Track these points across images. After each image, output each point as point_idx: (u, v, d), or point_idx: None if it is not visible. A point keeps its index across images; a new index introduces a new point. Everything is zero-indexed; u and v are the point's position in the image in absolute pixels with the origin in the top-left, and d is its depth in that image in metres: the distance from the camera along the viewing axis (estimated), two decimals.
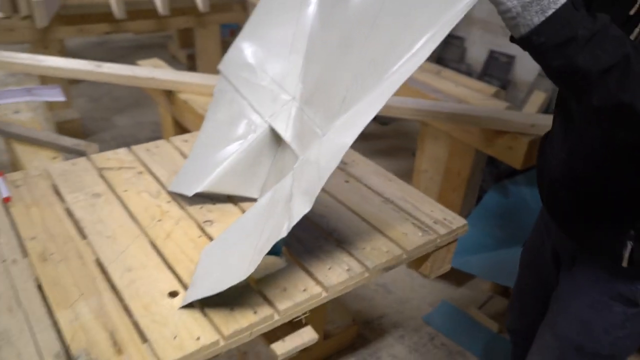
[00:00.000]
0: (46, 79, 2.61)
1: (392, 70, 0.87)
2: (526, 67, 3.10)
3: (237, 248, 0.96)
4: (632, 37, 0.81)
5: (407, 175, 2.43)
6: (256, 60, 1.22)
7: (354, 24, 0.99)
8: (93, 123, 3.17)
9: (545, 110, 2.88)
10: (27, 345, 0.83)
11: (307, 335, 1.02)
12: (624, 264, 0.92)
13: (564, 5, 0.68)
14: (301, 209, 0.85)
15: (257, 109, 1.18)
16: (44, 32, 2.66)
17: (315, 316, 1.54)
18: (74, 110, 3.07)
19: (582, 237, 0.99)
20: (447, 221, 1.21)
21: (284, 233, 0.85)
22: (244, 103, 1.21)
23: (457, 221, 1.21)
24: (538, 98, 2.88)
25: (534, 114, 2.23)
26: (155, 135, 2.99)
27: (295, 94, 1.13)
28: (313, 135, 1.02)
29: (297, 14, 1.17)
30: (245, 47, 1.24)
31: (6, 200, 1.16)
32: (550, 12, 0.67)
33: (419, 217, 1.21)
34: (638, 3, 0.82)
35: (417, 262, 1.25)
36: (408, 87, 2.12)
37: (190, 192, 1.16)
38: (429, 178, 2.20)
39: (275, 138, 1.18)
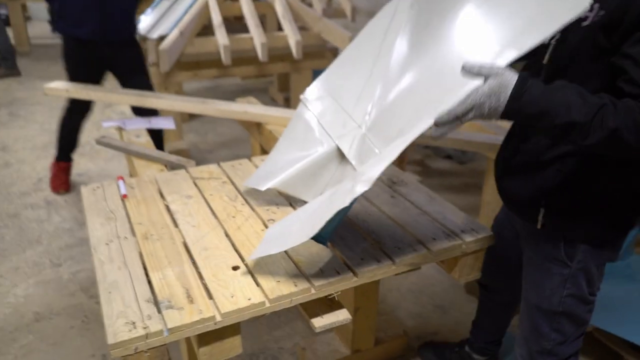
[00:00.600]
0: (163, 113, 3.14)
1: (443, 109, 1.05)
2: None
3: (299, 224, 1.20)
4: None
5: (475, 210, 2.55)
6: (333, 94, 1.51)
7: (420, 74, 1.22)
8: (199, 154, 3.65)
9: None
10: (128, 292, 1.13)
11: (342, 315, 1.23)
12: (538, 226, 1.15)
13: (507, 106, 0.94)
14: (360, 188, 1.06)
15: (328, 130, 1.45)
16: (166, 76, 3.19)
17: (366, 321, 1.74)
18: (184, 142, 3.58)
19: (514, 209, 1.28)
20: (475, 231, 1.37)
21: (347, 202, 1.05)
22: (318, 125, 1.49)
23: (484, 232, 1.37)
24: None
25: None
26: None
27: (362, 123, 1.37)
28: (371, 153, 1.26)
29: (372, 65, 1.43)
30: (326, 84, 1.55)
31: (124, 196, 1.53)
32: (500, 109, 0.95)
33: (449, 226, 1.39)
34: (548, 53, 1.08)
35: (449, 266, 1.41)
36: (471, 123, 2.29)
37: (262, 187, 1.45)
38: (492, 210, 2.31)
39: (338, 157, 1.42)
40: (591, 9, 1.03)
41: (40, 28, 7.37)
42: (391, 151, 1.08)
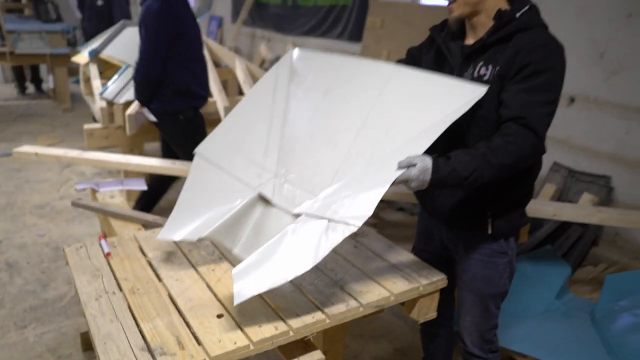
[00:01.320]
0: (130, 175, 3.24)
1: (376, 160, 1.36)
2: None
3: (277, 261, 1.31)
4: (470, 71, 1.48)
5: None
6: (236, 148, 1.69)
7: (339, 132, 1.54)
8: (161, 211, 3.68)
9: (557, 199, 3.19)
10: (122, 342, 1.24)
11: (316, 355, 1.37)
12: (489, 232, 1.54)
13: (431, 179, 1.31)
14: (356, 222, 1.27)
15: (245, 181, 1.62)
16: (132, 138, 3.32)
17: None
18: None
19: (466, 227, 1.59)
20: (429, 275, 1.56)
21: (352, 229, 1.27)
22: (230, 178, 1.64)
23: (437, 275, 1.56)
24: (549, 190, 3.20)
25: None
26: None
27: (278, 172, 1.59)
28: (304, 197, 1.48)
29: (269, 122, 1.68)
30: (224, 139, 1.71)
31: (108, 254, 1.63)
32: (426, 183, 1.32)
33: (407, 271, 1.58)
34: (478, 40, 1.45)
35: (408, 308, 1.59)
36: None
37: (194, 238, 1.50)
38: None
39: (259, 204, 1.57)
40: (487, 68, 1.45)
41: None
42: (374, 195, 1.29)
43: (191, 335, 1.27)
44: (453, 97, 1.40)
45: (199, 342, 1.25)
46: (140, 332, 1.28)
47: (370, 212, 1.26)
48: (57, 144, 5.16)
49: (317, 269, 1.58)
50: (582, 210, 2.28)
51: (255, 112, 1.73)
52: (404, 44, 2.34)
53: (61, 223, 3.53)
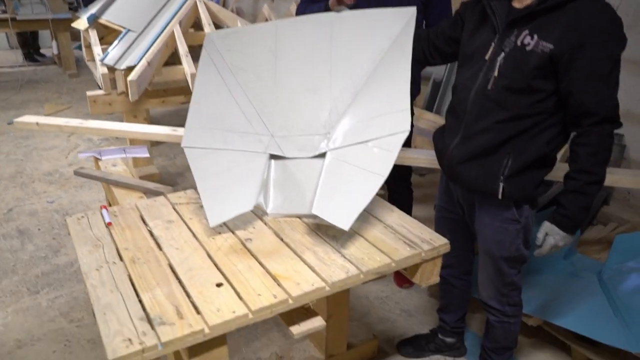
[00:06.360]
0: (134, 141, 3.23)
1: (360, 88, 1.62)
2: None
3: (347, 188, 1.55)
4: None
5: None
6: (218, 128, 1.69)
7: (313, 77, 1.70)
8: (169, 177, 3.74)
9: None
10: (122, 312, 1.24)
11: (317, 322, 1.38)
12: (499, 197, 1.54)
13: (575, 226, 1.53)
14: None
15: (252, 149, 1.69)
16: (135, 104, 3.28)
17: (339, 328, 1.88)
18: (155, 166, 3.66)
19: (475, 188, 1.60)
20: (432, 240, 1.54)
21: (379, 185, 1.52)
22: (234, 153, 1.67)
23: (440, 241, 1.54)
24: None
25: None
26: None
27: (272, 132, 1.71)
28: (313, 140, 1.68)
29: (230, 95, 1.71)
30: (201, 125, 1.69)
31: (109, 224, 1.63)
32: None
33: (409, 237, 1.56)
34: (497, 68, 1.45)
35: (411, 273, 1.58)
36: (428, 141, 2.49)
37: (245, 210, 1.62)
38: None
39: (271, 164, 1.71)
40: (532, 37, 1.38)
41: None
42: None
43: (190, 305, 1.27)
44: (393, 22, 1.64)
45: (198, 312, 1.25)
46: (140, 301, 1.29)
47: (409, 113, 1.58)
48: (65, 110, 5.16)
49: (317, 236, 1.57)
50: None
51: (213, 94, 1.71)
52: None
53: (70, 190, 3.55)
